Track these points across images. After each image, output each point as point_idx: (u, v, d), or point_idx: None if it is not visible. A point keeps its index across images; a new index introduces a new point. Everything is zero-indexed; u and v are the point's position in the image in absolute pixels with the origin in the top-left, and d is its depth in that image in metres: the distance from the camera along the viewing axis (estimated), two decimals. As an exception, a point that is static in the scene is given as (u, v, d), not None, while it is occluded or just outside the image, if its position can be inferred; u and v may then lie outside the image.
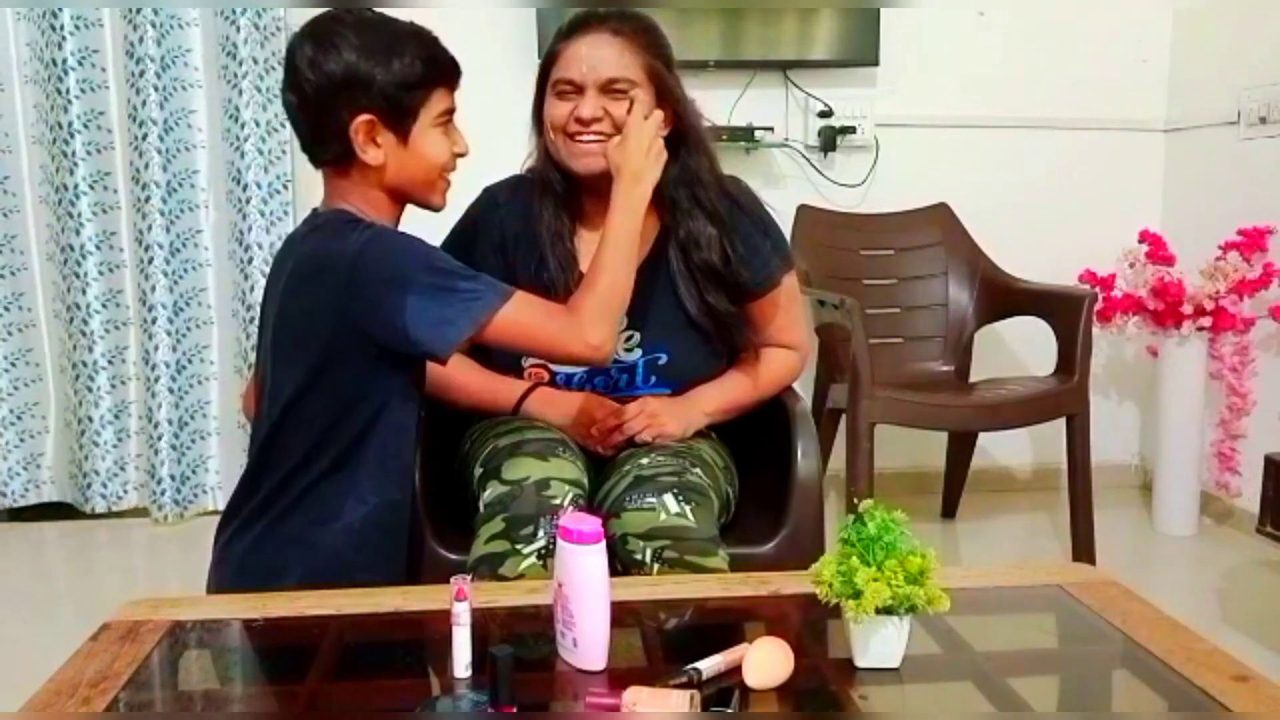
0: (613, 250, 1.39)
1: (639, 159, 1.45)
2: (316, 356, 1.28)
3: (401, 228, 1.39)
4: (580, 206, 1.62)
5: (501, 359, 1.64)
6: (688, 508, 1.44)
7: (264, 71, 2.88)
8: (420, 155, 1.31)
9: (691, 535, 1.42)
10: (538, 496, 1.42)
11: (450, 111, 1.34)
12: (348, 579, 1.30)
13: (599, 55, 1.51)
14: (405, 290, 1.23)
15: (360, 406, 1.30)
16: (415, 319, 1.24)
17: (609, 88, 1.51)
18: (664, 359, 1.61)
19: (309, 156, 1.34)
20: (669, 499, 1.44)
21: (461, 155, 1.37)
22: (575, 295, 1.37)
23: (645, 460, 1.51)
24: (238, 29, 2.85)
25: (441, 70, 1.31)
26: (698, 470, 1.52)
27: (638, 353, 1.61)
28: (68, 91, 2.85)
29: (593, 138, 1.51)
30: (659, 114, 1.50)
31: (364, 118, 1.26)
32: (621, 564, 1.42)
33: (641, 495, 1.45)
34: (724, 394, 1.67)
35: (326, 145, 1.29)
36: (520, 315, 1.29)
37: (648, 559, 1.41)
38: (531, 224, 1.61)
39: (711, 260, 1.58)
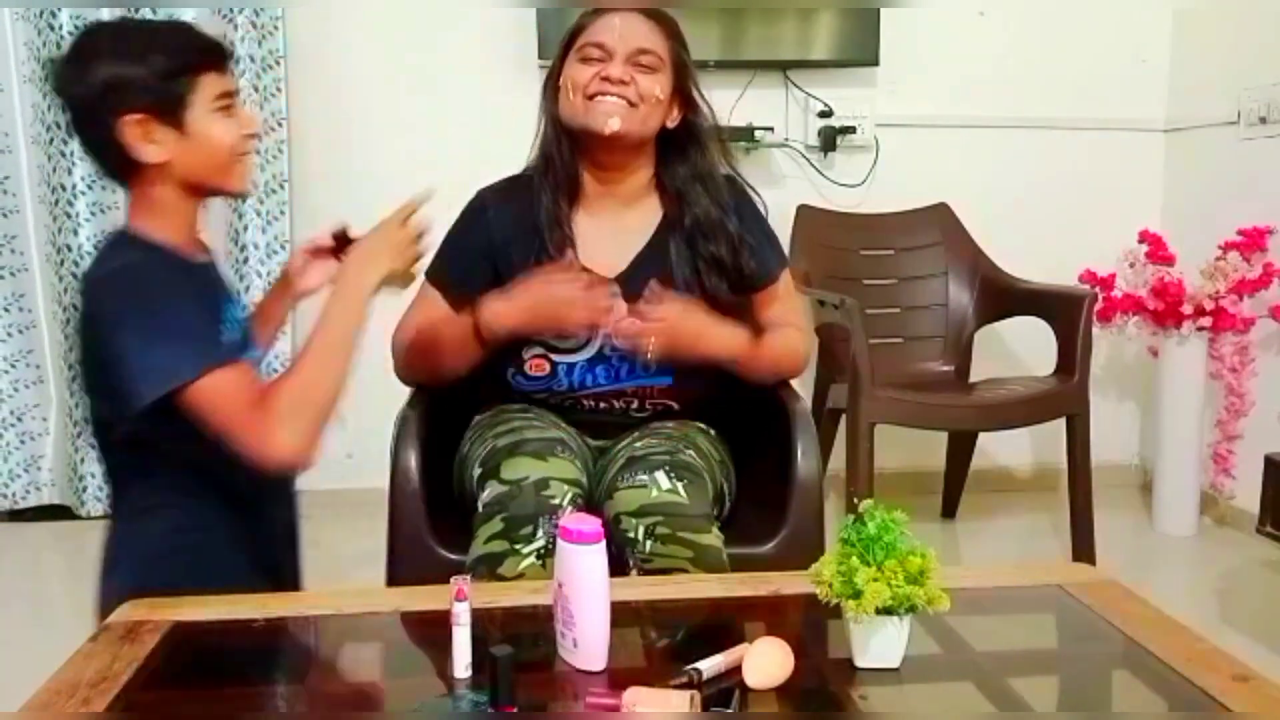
0: (322, 340, 1.26)
1: (377, 244, 1.33)
2: (91, 376, 1.30)
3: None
4: (580, 188, 1.63)
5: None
6: (680, 484, 1.45)
7: (261, 69, 2.88)
8: (204, 141, 1.26)
9: (684, 511, 1.42)
10: (536, 496, 1.42)
11: (228, 94, 1.29)
12: (178, 567, 1.30)
13: (633, 27, 1.54)
14: (117, 328, 1.20)
15: (140, 423, 1.23)
16: (125, 359, 1.19)
17: (637, 59, 1.53)
18: None
19: (112, 177, 1.31)
20: (660, 476, 1.45)
21: (253, 136, 1.33)
22: (275, 381, 1.25)
23: (639, 444, 1.53)
24: (235, 27, 2.85)
25: (204, 54, 1.27)
26: (690, 452, 1.53)
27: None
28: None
29: (616, 97, 1.53)
30: (416, 218, 1.36)
31: (132, 118, 1.22)
32: (616, 545, 1.41)
33: (633, 474, 1.46)
34: (731, 339, 1.58)
35: (104, 157, 1.26)
36: (221, 389, 1.19)
37: (640, 536, 1.41)
38: (526, 218, 1.61)
39: (719, 253, 1.61)
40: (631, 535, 1.42)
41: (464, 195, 1.69)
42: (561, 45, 1.60)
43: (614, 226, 1.63)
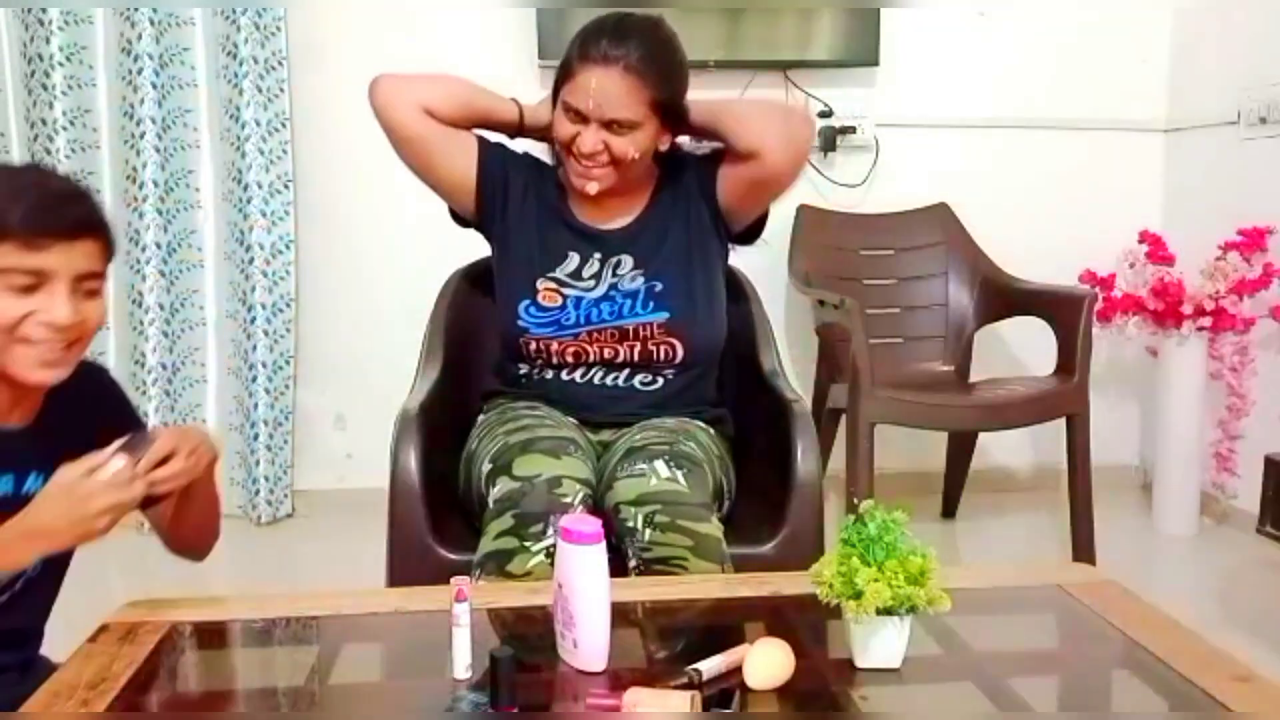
0: None
1: (53, 511, 1.08)
2: None
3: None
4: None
5: (504, 297, 1.68)
6: (679, 473, 1.45)
7: (264, 70, 2.88)
8: None
9: (684, 500, 1.43)
10: (549, 494, 1.42)
11: (22, 271, 1.08)
12: None
13: (607, 94, 1.54)
14: None
15: None
16: None
17: (611, 125, 1.56)
18: (660, 286, 1.65)
19: None
20: (659, 465, 1.46)
21: (51, 326, 1.10)
22: None
23: (639, 436, 1.54)
24: (238, 28, 2.84)
25: (6, 216, 1.07)
26: (690, 444, 1.54)
27: (640, 281, 1.65)
28: (53, 88, 2.81)
29: (591, 165, 1.59)
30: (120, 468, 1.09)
31: None
32: (615, 536, 1.42)
33: (632, 464, 1.47)
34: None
35: None
36: None
37: (639, 525, 1.41)
38: (535, 177, 1.71)
39: (700, 202, 1.70)
40: (631, 524, 1.42)
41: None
42: (558, 73, 1.61)
43: (619, 199, 1.69)
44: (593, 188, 1.60)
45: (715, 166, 1.68)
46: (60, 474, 1.08)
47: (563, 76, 1.59)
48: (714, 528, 1.45)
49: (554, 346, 1.64)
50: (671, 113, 1.61)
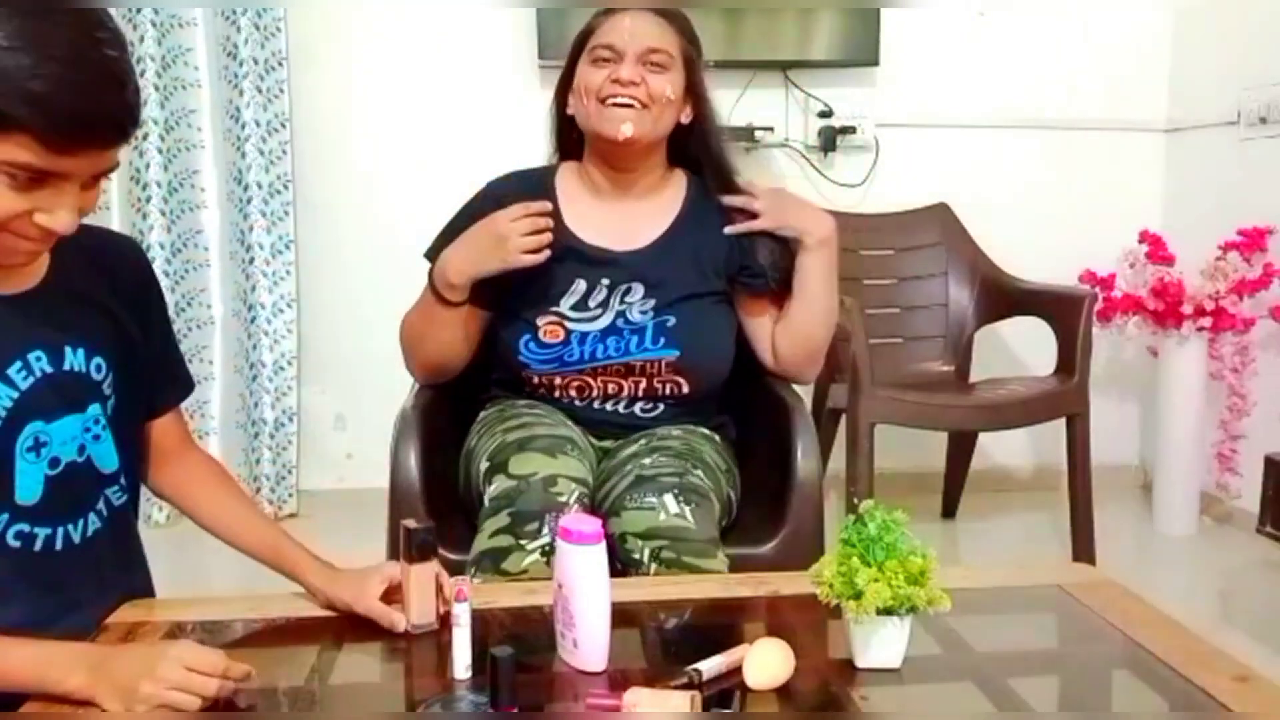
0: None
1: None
2: None
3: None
4: (594, 183, 1.67)
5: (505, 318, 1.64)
6: (687, 509, 1.43)
7: (264, 71, 2.88)
8: None
9: (690, 536, 1.42)
10: (544, 493, 1.42)
11: (33, 170, 0.93)
12: None
13: (643, 27, 1.57)
14: None
15: None
16: None
17: (648, 58, 1.56)
18: (672, 321, 1.61)
19: None
20: (669, 499, 1.44)
21: (54, 231, 0.97)
22: None
23: (647, 460, 1.51)
24: (238, 29, 2.84)
25: (32, 113, 0.89)
26: (699, 472, 1.52)
27: (650, 314, 1.61)
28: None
29: (626, 100, 1.55)
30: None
31: None
32: (619, 563, 1.42)
33: (642, 495, 1.45)
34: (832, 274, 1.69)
35: None
36: None
37: (645, 559, 1.41)
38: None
39: (736, 244, 1.66)
40: (637, 556, 1.41)
41: (466, 194, 1.69)
42: (573, 47, 1.62)
43: (629, 216, 1.66)
44: (627, 128, 1.54)
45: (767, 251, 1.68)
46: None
47: (583, 39, 1.60)
48: (719, 563, 1.44)
49: (557, 380, 1.62)
50: (694, 76, 1.61)
